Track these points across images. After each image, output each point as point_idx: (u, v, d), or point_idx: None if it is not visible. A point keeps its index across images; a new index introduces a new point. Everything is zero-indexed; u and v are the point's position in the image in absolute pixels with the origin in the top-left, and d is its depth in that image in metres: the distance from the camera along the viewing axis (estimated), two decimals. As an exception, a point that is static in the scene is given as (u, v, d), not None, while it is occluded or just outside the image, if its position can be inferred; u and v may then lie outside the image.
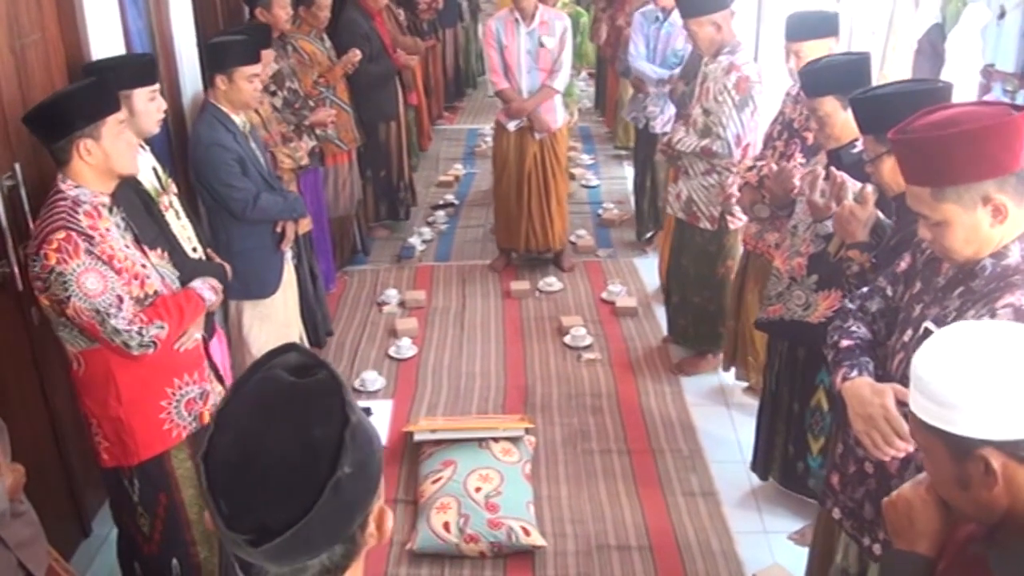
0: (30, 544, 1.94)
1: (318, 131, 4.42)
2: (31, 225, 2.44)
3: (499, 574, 2.93)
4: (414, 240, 5.70)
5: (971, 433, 1.09)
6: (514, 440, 3.40)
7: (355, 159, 5.09)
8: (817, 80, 2.58)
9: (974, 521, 1.20)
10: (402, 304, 4.89)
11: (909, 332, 1.74)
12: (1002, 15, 4.10)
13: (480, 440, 3.35)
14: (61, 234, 2.12)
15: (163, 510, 2.46)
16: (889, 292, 1.90)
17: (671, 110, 4.82)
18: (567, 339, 4.40)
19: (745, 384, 3.80)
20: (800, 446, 2.98)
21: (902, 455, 1.67)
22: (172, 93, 3.56)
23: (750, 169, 3.26)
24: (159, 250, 2.43)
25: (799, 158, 3.08)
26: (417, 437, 3.46)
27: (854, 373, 1.77)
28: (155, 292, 2.33)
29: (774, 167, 3.02)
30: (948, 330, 1.20)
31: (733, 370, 3.82)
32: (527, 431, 3.51)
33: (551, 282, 5.05)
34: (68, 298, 2.13)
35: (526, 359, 4.29)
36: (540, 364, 4.24)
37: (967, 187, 1.52)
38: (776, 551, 2.98)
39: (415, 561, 2.99)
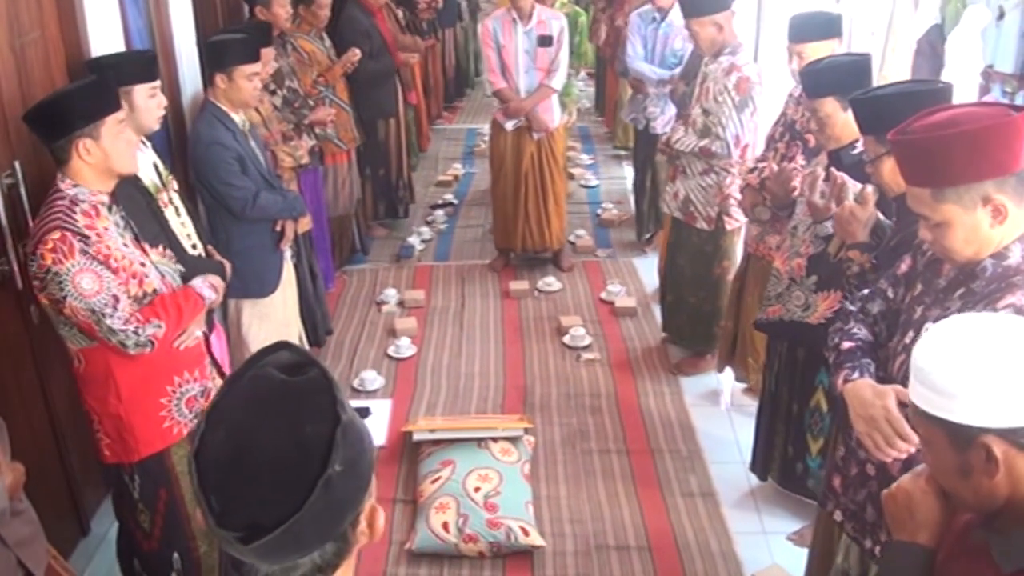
0: (29, 542, 1.94)
1: (317, 130, 4.42)
2: (31, 223, 2.44)
3: (498, 574, 2.93)
4: (413, 240, 5.71)
5: (972, 421, 1.11)
6: (513, 440, 3.40)
7: (354, 159, 5.09)
8: (818, 81, 2.58)
9: (974, 510, 1.21)
10: (401, 304, 4.89)
11: (910, 334, 1.74)
12: (1001, 16, 4.10)
13: (479, 440, 3.35)
14: (56, 234, 2.12)
15: (163, 506, 2.47)
16: (890, 294, 1.90)
17: (672, 110, 4.83)
18: (566, 339, 4.40)
19: (745, 385, 3.80)
20: (799, 447, 2.98)
21: (904, 456, 1.67)
22: (172, 91, 3.55)
23: (751, 171, 3.26)
24: (160, 247, 2.43)
25: (800, 160, 3.08)
26: (416, 437, 3.46)
27: (855, 375, 1.77)
28: (154, 291, 2.33)
29: (775, 167, 3.02)
30: (947, 322, 1.21)
31: (731, 372, 3.82)
32: (526, 431, 3.51)
33: (550, 282, 5.05)
34: (64, 298, 2.14)
35: (525, 359, 4.29)
36: (539, 364, 4.24)
37: (967, 188, 1.52)
38: (775, 552, 2.99)
39: (414, 561, 2.99)
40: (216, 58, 3.26)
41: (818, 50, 2.95)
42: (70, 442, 2.88)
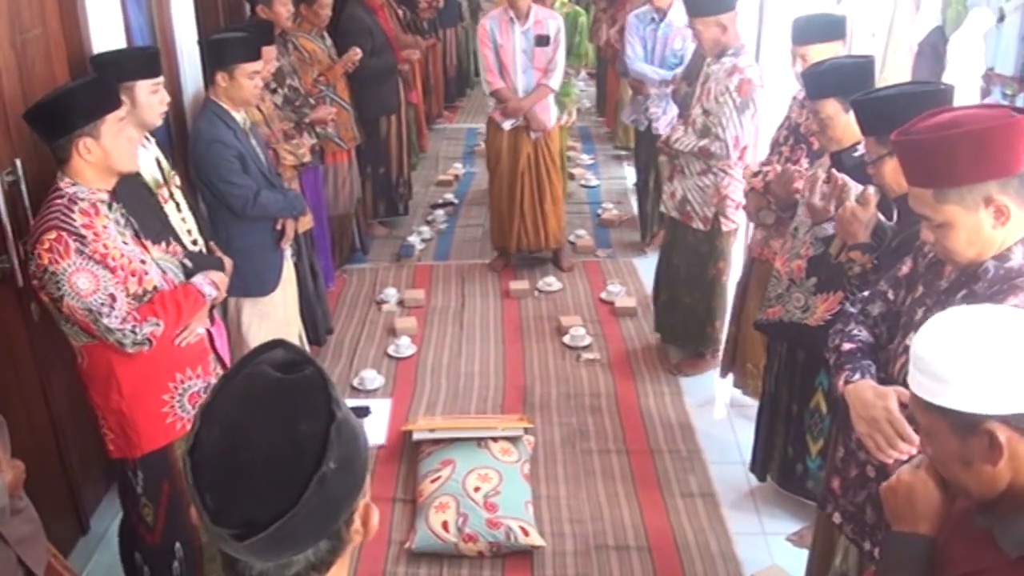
0: (30, 541, 1.94)
1: (318, 129, 4.41)
2: (31, 221, 2.44)
3: (497, 574, 2.93)
4: (413, 239, 5.70)
5: (974, 408, 1.11)
6: (513, 440, 3.40)
7: (355, 158, 5.10)
8: (820, 82, 2.58)
9: (974, 498, 1.21)
10: (401, 303, 4.89)
11: (911, 336, 1.74)
12: (1001, 19, 4.09)
13: (479, 439, 3.35)
14: (52, 234, 2.13)
15: (166, 498, 2.48)
16: (891, 296, 1.90)
17: (674, 111, 4.83)
18: (566, 339, 4.40)
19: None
20: (799, 447, 2.98)
21: (905, 457, 1.67)
22: (173, 89, 3.54)
23: (756, 175, 3.25)
24: (163, 244, 2.43)
25: (805, 163, 3.08)
26: (416, 436, 3.46)
27: (856, 376, 1.77)
28: (154, 288, 2.33)
29: (778, 169, 3.02)
30: (946, 312, 1.21)
31: (732, 377, 3.81)
32: (526, 431, 3.51)
33: (550, 282, 5.05)
34: (61, 297, 2.16)
35: (525, 359, 4.29)
36: (539, 364, 4.24)
37: (969, 188, 1.52)
38: (774, 552, 2.99)
39: (413, 560, 2.98)
40: (217, 56, 3.25)
41: (821, 52, 2.93)
42: (70, 440, 2.88)
